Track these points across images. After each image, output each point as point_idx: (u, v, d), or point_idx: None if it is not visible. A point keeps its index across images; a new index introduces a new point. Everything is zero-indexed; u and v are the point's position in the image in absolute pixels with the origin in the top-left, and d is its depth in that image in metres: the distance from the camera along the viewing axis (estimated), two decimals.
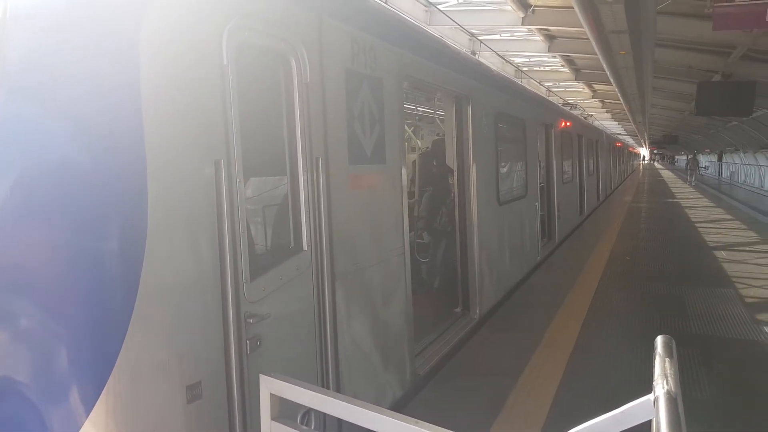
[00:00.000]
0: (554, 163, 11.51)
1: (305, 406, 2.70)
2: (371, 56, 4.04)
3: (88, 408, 2.16)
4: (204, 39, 2.59)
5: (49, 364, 2.19)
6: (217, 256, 2.62)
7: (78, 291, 2.21)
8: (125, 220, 2.28)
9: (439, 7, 12.59)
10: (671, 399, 1.45)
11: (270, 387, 2.40)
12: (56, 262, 2.22)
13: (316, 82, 3.38)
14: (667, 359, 1.69)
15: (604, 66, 12.60)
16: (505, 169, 8.10)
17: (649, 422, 1.64)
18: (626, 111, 24.26)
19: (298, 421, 2.85)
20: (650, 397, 1.57)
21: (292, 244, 3.31)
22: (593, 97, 27.10)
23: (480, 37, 14.93)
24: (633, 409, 1.61)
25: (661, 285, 8.60)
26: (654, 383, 1.60)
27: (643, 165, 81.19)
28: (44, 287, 2.21)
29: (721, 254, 11.02)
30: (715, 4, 7.41)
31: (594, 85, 23.44)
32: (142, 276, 2.27)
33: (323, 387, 3.41)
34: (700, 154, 47.02)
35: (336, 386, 3.53)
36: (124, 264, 2.26)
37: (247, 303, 2.77)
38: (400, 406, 4.32)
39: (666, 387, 1.51)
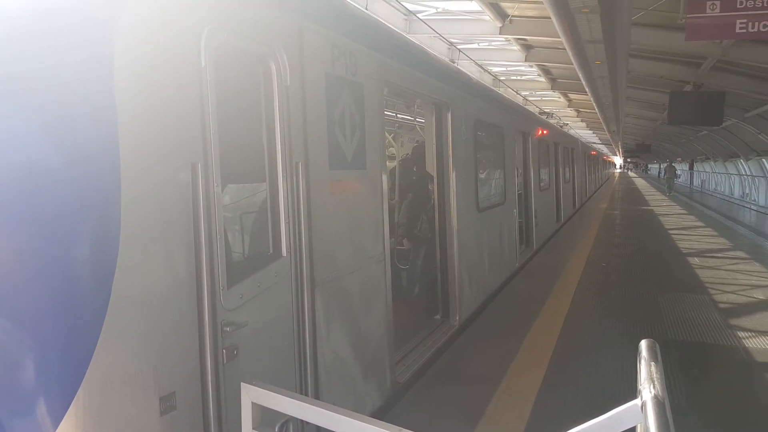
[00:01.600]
0: (531, 170, 11.61)
1: (284, 416, 2.63)
2: (352, 61, 4.01)
3: (56, 421, 2.08)
4: (181, 41, 2.53)
5: (16, 376, 2.10)
6: (193, 263, 2.55)
7: (47, 300, 2.13)
8: (97, 226, 2.20)
9: (418, 15, 12.65)
10: (659, 403, 1.44)
11: (251, 395, 2.33)
12: (24, 270, 2.14)
13: (296, 86, 3.33)
14: (652, 363, 1.68)
15: (580, 75, 12.80)
16: (483, 176, 8.14)
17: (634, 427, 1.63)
18: (601, 120, 24.66)
19: (277, 430, 2.78)
20: (637, 401, 1.55)
21: (271, 251, 3.24)
22: (569, 107, 27.49)
23: (458, 46, 15.05)
24: (620, 414, 1.59)
25: (636, 291, 8.70)
26: (640, 387, 1.59)
27: (618, 173, 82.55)
28: (11, 296, 2.13)
29: (694, 261, 11.21)
30: (688, 16, 7.56)
31: (570, 95, 23.79)
32: (114, 284, 2.19)
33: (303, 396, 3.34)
34: (676, 163, 44.78)
35: (315, 395, 3.47)
36: (95, 271, 2.18)
37: (223, 311, 2.70)
38: (381, 415, 4.26)
39: (653, 391, 1.49)
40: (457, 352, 5.74)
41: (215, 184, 2.65)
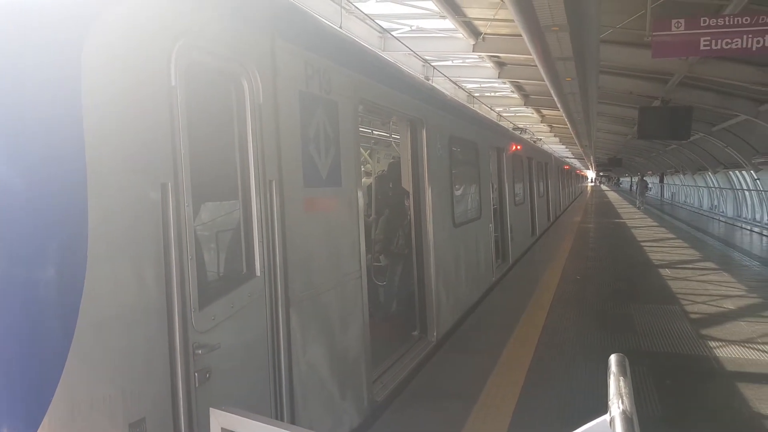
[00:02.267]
0: (506, 185, 11.73)
1: None
2: (326, 79, 4.03)
3: None
4: (151, 58, 2.51)
5: None
6: (163, 285, 2.51)
7: (10, 323, 2.07)
8: (63, 247, 2.16)
9: (393, 33, 12.79)
10: (627, 419, 1.45)
11: (221, 421, 2.29)
12: None
13: (269, 104, 3.33)
14: (621, 378, 1.70)
15: (552, 92, 13.05)
16: (459, 192, 8.20)
17: None
18: (573, 135, 25.10)
19: None
20: (606, 417, 1.56)
21: (245, 270, 3.21)
22: (542, 122, 27.97)
23: (433, 63, 15.24)
24: (590, 430, 1.60)
25: (610, 303, 8.81)
26: (609, 403, 1.60)
27: (590, 186, 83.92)
28: None
29: (666, 272, 11.40)
30: (654, 33, 7.78)
31: (542, 110, 24.20)
32: (81, 306, 2.14)
33: (278, 418, 3.29)
34: (647, 177, 45.10)
35: (291, 417, 3.42)
36: (61, 294, 2.13)
37: (195, 333, 2.66)
38: None
39: (621, 407, 1.51)
40: (434, 369, 5.73)
41: (186, 204, 2.62)
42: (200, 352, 2.67)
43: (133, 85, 2.41)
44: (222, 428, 2.23)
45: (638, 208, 32.30)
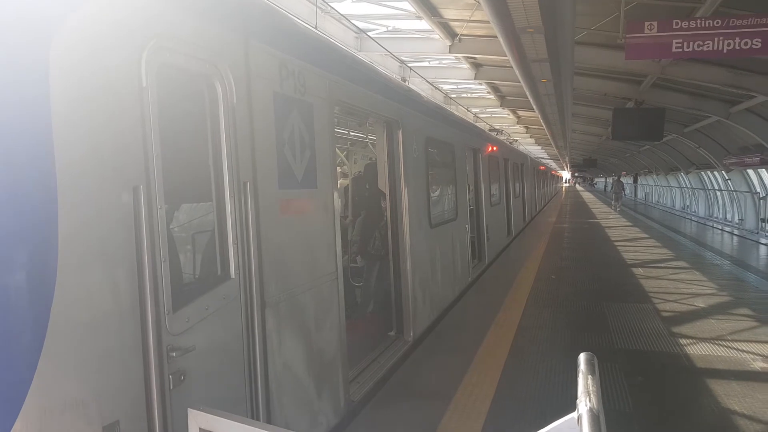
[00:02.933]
0: (482, 186, 11.83)
1: None
2: (301, 81, 4.02)
3: None
4: (122, 59, 2.49)
5: None
6: (136, 287, 2.49)
7: None
8: (33, 251, 2.13)
9: (369, 34, 12.81)
10: (594, 416, 1.49)
11: (199, 421, 2.28)
12: None
13: (243, 106, 3.32)
14: (589, 376, 1.74)
15: (527, 93, 13.21)
16: (435, 193, 8.25)
17: None
18: (548, 136, 25.43)
19: None
20: (574, 415, 1.60)
21: (219, 272, 3.20)
22: (518, 123, 28.27)
23: (409, 64, 15.30)
24: (559, 428, 1.64)
25: (585, 302, 8.95)
26: (577, 401, 1.64)
27: (566, 187, 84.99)
28: None
29: (639, 271, 11.62)
30: (627, 35, 7.92)
31: (518, 112, 24.47)
32: (52, 310, 2.12)
33: (254, 419, 3.28)
34: (623, 177, 42.55)
35: (267, 418, 3.42)
36: (32, 297, 2.11)
37: (169, 336, 2.65)
38: None
39: (588, 404, 1.55)
40: (411, 368, 5.76)
41: (159, 207, 2.61)
42: (174, 354, 2.65)
43: (104, 87, 2.39)
44: (200, 428, 2.23)
45: (614, 209, 31.35)
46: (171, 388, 2.64)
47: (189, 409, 2.34)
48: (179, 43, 2.85)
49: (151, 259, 2.54)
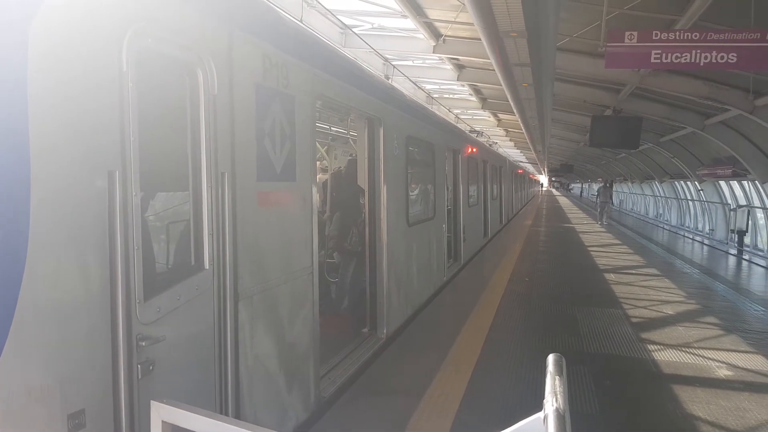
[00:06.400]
0: (461, 186, 11.90)
1: None
2: (284, 73, 4.00)
3: None
4: (102, 43, 2.44)
5: None
6: (107, 274, 2.45)
7: None
8: (2, 234, 2.08)
9: (354, 30, 12.79)
10: (560, 416, 1.52)
11: (161, 414, 2.26)
12: None
13: (224, 96, 3.29)
14: (557, 377, 1.77)
15: (508, 96, 13.32)
16: (414, 191, 8.27)
17: None
18: (528, 140, 25.66)
19: None
20: (540, 414, 1.63)
21: (193, 263, 3.17)
22: (498, 126, 28.47)
23: (393, 62, 15.30)
24: (525, 427, 1.66)
25: (556, 305, 9.07)
26: (544, 401, 1.67)
27: (542, 191, 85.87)
28: None
29: (611, 277, 11.81)
30: (608, 44, 8.03)
31: (499, 114, 24.65)
32: (20, 295, 2.07)
33: (222, 413, 3.26)
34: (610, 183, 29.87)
35: (236, 412, 3.40)
36: None
37: (139, 324, 2.61)
38: (304, 430, 4.23)
39: (555, 405, 1.57)
40: (383, 365, 5.78)
41: (134, 193, 2.57)
42: (144, 343, 2.62)
43: (83, 69, 2.34)
44: (162, 421, 2.20)
45: (599, 223, 24.80)
46: (139, 377, 2.60)
47: (152, 402, 2.31)
48: (162, 29, 2.81)
49: (124, 246, 2.50)
